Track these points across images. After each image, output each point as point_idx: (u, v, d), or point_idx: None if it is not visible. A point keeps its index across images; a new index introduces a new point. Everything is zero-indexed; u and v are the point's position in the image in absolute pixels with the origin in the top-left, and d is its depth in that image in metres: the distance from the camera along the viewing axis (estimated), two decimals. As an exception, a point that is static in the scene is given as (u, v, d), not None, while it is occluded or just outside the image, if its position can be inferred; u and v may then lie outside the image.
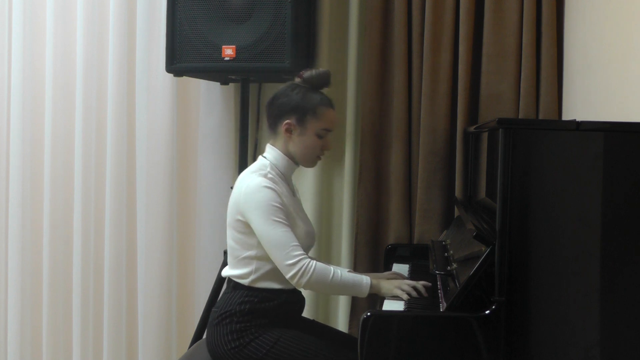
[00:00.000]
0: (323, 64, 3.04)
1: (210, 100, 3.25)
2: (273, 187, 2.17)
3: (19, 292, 3.41)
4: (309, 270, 2.11)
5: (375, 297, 2.25)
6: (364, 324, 1.87)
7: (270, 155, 2.30)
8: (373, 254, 3.02)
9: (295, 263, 2.11)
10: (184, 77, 3.04)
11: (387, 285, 2.21)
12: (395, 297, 2.18)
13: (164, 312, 3.26)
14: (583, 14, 2.55)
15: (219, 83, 3.21)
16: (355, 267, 3.00)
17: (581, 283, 1.81)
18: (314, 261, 2.14)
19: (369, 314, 1.88)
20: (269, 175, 2.21)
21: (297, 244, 2.13)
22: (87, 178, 3.33)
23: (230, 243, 2.27)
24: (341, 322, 3.10)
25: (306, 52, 2.97)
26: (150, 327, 3.25)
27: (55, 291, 3.40)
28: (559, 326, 1.82)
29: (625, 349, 1.81)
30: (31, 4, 3.37)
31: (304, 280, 2.11)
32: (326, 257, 3.15)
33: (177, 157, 3.28)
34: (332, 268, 2.16)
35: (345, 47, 3.10)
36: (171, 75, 2.98)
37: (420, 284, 2.21)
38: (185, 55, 2.85)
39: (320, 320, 3.02)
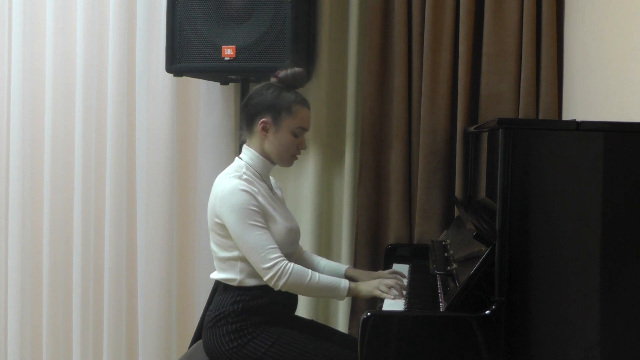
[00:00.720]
0: (323, 64, 3.04)
1: (210, 100, 3.25)
2: (248, 189, 2.18)
3: (19, 292, 3.41)
4: (286, 273, 2.13)
5: (375, 297, 2.25)
6: (364, 324, 1.87)
7: (245, 155, 2.31)
8: (373, 254, 3.02)
9: (271, 266, 2.13)
10: (184, 77, 3.04)
11: (365, 287, 2.24)
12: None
13: (164, 312, 3.26)
14: (583, 14, 2.55)
15: (219, 83, 3.21)
16: (355, 267, 2.99)
17: (581, 283, 1.81)
18: (291, 263, 2.16)
19: (369, 314, 1.88)
20: (244, 177, 2.22)
21: (273, 246, 2.15)
22: (87, 178, 3.33)
23: (213, 246, 2.29)
24: (341, 322, 3.10)
25: (306, 52, 2.97)
26: (150, 327, 3.25)
27: (55, 291, 3.40)
28: (559, 326, 1.82)
29: (625, 349, 1.81)
30: (31, 4, 3.37)
31: (281, 282, 2.14)
32: (326, 257, 3.14)
33: (177, 157, 3.28)
34: (309, 271, 2.18)
35: (345, 47, 3.10)
36: (171, 75, 2.98)
37: (397, 284, 2.23)
38: (185, 55, 2.85)
39: (320, 320, 3.02)
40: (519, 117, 2.78)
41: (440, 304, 2.05)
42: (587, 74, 2.46)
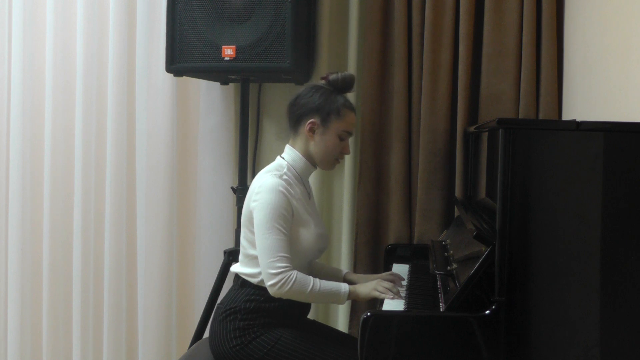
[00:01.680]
0: (323, 64, 3.04)
1: (210, 100, 3.25)
2: (286, 191, 2.18)
3: (19, 292, 3.41)
4: (289, 283, 2.12)
5: (375, 297, 2.25)
6: (364, 324, 1.87)
7: (288, 156, 2.31)
8: (373, 254, 3.02)
9: (276, 274, 2.12)
10: (184, 77, 3.04)
11: (363, 289, 2.24)
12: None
13: (164, 312, 3.26)
14: (583, 14, 2.55)
15: (219, 83, 3.21)
16: (355, 267, 3.00)
17: (581, 283, 1.81)
18: (295, 272, 2.14)
19: (369, 314, 1.88)
20: (285, 177, 2.22)
21: (286, 255, 2.14)
22: (87, 178, 3.33)
23: (242, 241, 2.29)
24: (341, 322, 3.10)
25: (306, 52, 2.97)
26: (150, 327, 3.25)
27: (55, 291, 3.40)
28: (559, 326, 1.82)
29: (625, 349, 1.81)
30: (31, 4, 3.37)
31: (283, 290, 2.13)
32: (326, 257, 3.15)
33: (177, 157, 3.28)
34: (311, 279, 2.17)
35: (345, 47, 3.10)
36: (171, 75, 2.97)
37: (395, 286, 2.23)
38: (185, 55, 2.85)
39: (320, 320, 3.03)
40: (519, 117, 2.78)
41: (440, 304, 2.05)
42: (587, 74, 2.46)
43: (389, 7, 2.99)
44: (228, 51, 2.80)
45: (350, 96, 3.04)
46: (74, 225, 3.34)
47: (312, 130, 2.27)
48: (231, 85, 3.21)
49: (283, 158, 2.31)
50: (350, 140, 3.04)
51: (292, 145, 2.32)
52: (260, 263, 2.16)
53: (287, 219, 2.17)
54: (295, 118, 2.31)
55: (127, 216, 3.31)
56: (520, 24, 2.80)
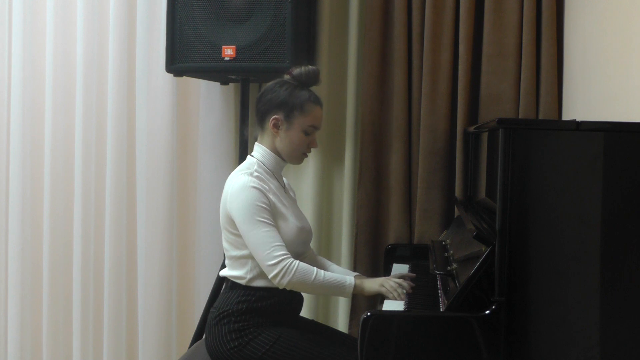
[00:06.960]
0: (323, 64, 3.04)
1: (210, 100, 3.25)
2: (259, 186, 2.18)
3: (19, 292, 3.40)
4: (291, 271, 2.11)
5: (376, 297, 2.25)
6: (364, 324, 1.87)
7: (257, 153, 2.31)
8: (373, 254, 3.02)
9: (276, 263, 2.11)
10: (184, 77, 3.04)
11: (370, 284, 2.22)
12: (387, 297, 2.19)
13: (164, 312, 3.26)
14: (583, 13, 2.55)
15: (219, 83, 3.21)
16: (355, 267, 3.00)
17: (581, 283, 1.81)
18: (297, 261, 2.13)
19: (369, 314, 1.88)
20: (255, 174, 2.22)
21: (280, 243, 2.13)
22: (87, 178, 3.33)
23: (224, 244, 2.28)
24: (341, 322, 3.10)
25: (306, 52, 2.97)
26: (150, 327, 3.25)
27: (55, 291, 3.40)
28: (559, 326, 1.82)
29: (625, 349, 1.81)
30: (31, 4, 3.37)
31: (286, 280, 2.11)
32: (326, 257, 3.14)
33: (177, 157, 3.28)
34: (314, 269, 2.16)
35: (345, 47, 3.10)
36: (171, 75, 2.98)
37: (405, 283, 2.21)
38: (185, 55, 2.85)
39: (320, 320, 3.03)
40: (519, 117, 2.78)
41: (440, 304, 2.05)
42: (587, 74, 2.46)
43: (389, 7, 2.99)
44: (228, 51, 2.80)
45: (350, 96, 3.05)
46: (74, 225, 3.33)
47: (276, 127, 2.26)
48: (231, 85, 3.21)
49: (252, 156, 2.31)
50: (351, 140, 3.07)
51: (260, 142, 2.32)
52: (258, 260, 2.14)
53: (268, 210, 2.16)
54: (261, 114, 2.30)
55: (127, 216, 3.31)
56: (520, 24, 2.80)
